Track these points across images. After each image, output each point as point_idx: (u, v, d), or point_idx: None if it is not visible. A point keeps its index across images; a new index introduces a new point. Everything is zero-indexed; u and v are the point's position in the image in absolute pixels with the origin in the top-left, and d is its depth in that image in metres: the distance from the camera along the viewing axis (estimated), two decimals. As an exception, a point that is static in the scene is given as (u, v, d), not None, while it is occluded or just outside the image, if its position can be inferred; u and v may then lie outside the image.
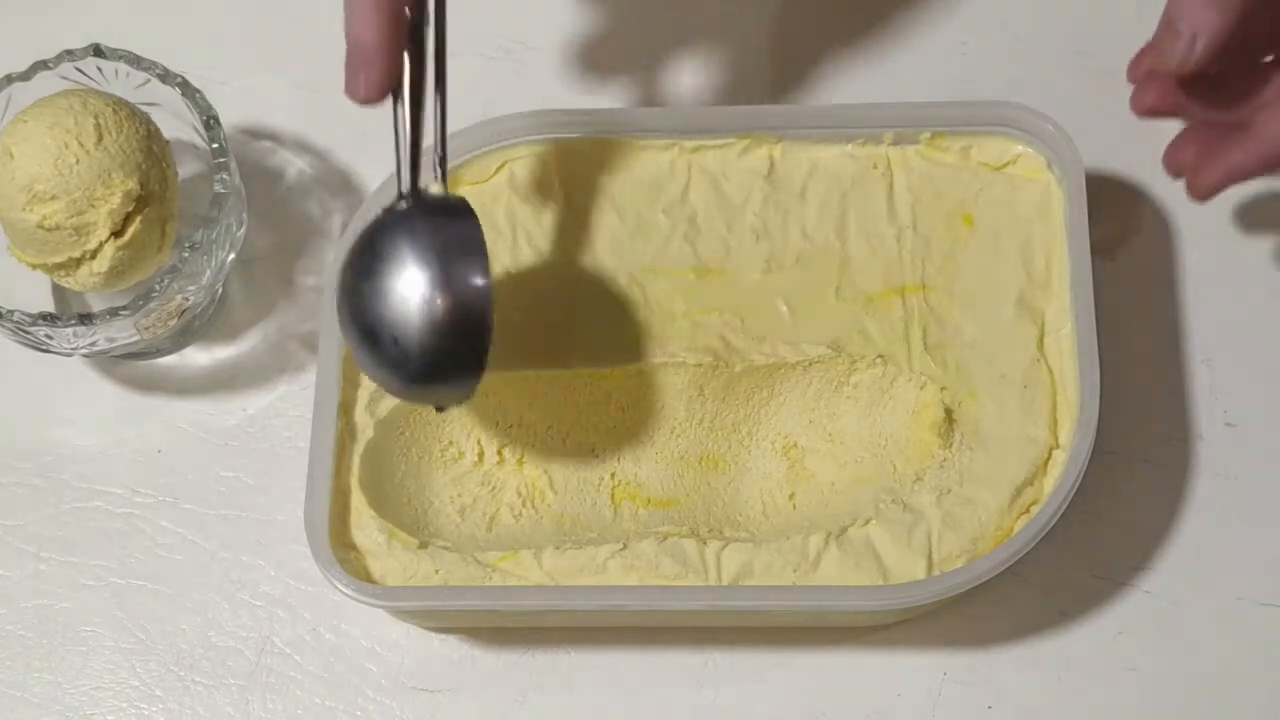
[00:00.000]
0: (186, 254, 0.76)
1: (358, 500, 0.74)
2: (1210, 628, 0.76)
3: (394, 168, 0.71)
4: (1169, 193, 0.80)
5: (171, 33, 0.87)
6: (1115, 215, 0.80)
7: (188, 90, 0.78)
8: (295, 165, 0.85)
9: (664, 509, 0.76)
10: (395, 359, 0.70)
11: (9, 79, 0.79)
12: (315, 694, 0.77)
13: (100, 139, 0.75)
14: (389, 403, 0.75)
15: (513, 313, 0.77)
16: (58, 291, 0.82)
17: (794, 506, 0.76)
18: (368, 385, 0.76)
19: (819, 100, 0.83)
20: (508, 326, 0.77)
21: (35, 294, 0.81)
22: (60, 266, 0.76)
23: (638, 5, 0.87)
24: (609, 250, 0.78)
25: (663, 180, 0.79)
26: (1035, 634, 0.76)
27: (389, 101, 0.70)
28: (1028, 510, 0.73)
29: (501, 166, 0.80)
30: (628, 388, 0.77)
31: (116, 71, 0.79)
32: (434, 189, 0.72)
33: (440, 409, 0.74)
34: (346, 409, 0.75)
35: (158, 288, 0.76)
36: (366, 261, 0.70)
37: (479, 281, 0.70)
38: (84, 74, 0.79)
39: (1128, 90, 0.75)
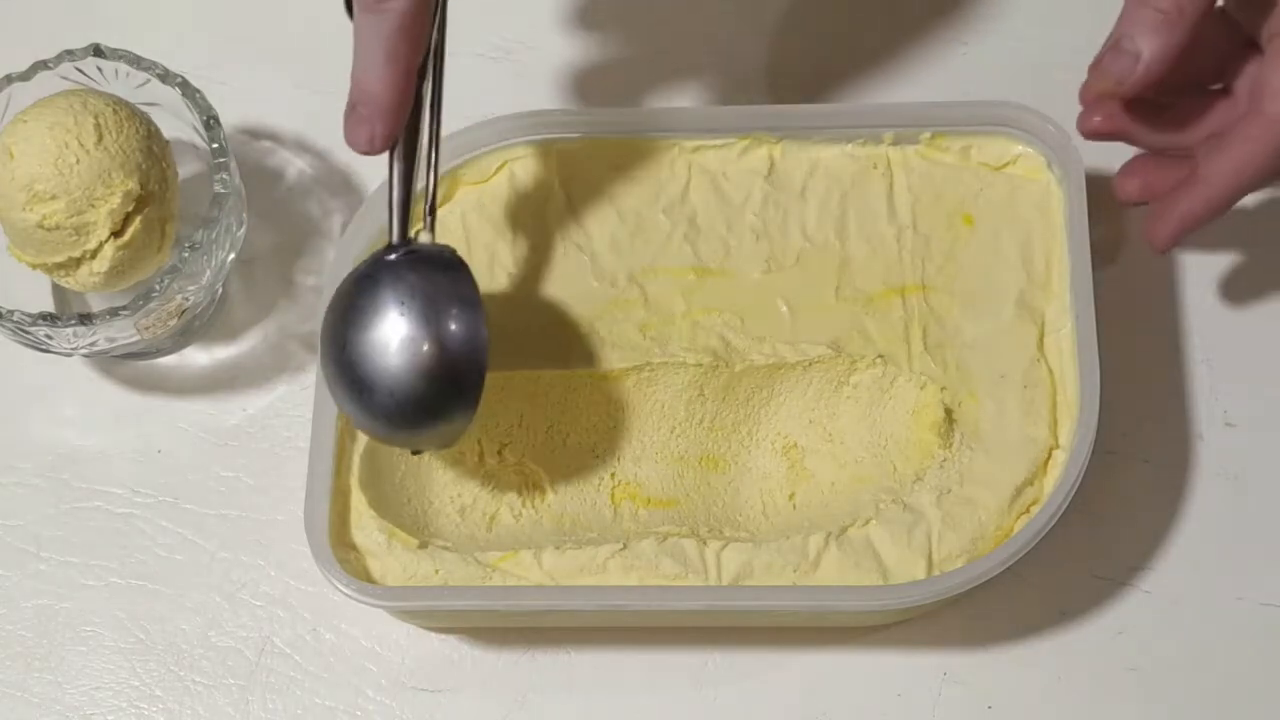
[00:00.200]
0: (186, 254, 0.76)
1: (358, 500, 0.74)
2: (1210, 628, 0.76)
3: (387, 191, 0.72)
4: (1169, 193, 0.81)
5: (171, 33, 0.87)
6: (1115, 215, 0.80)
7: (188, 90, 0.78)
8: (295, 165, 0.86)
9: (664, 509, 0.76)
10: (387, 409, 0.71)
11: (9, 79, 0.79)
12: (315, 694, 0.77)
13: (100, 139, 0.75)
14: (389, 403, 0.75)
15: (513, 313, 0.77)
16: (58, 291, 0.82)
17: (794, 506, 0.76)
18: (368, 385, 0.76)
19: (819, 100, 0.83)
20: (508, 326, 0.77)
21: (35, 294, 0.81)
22: (60, 266, 0.76)
23: (638, 5, 0.87)
24: (609, 250, 0.79)
25: (663, 180, 0.79)
26: (1035, 634, 0.76)
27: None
28: (1028, 510, 0.73)
29: (501, 166, 0.80)
30: (628, 388, 0.77)
31: (116, 71, 0.79)
32: (424, 238, 0.73)
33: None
34: (346, 409, 0.75)
35: (158, 288, 0.76)
36: (358, 312, 0.71)
37: (479, 337, 0.71)
38: (84, 74, 0.79)
39: (1127, 91, 0.75)
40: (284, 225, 0.84)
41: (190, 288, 0.78)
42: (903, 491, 0.74)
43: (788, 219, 0.79)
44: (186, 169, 0.80)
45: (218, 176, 0.77)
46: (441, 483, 0.76)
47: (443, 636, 0.77)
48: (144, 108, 0.78)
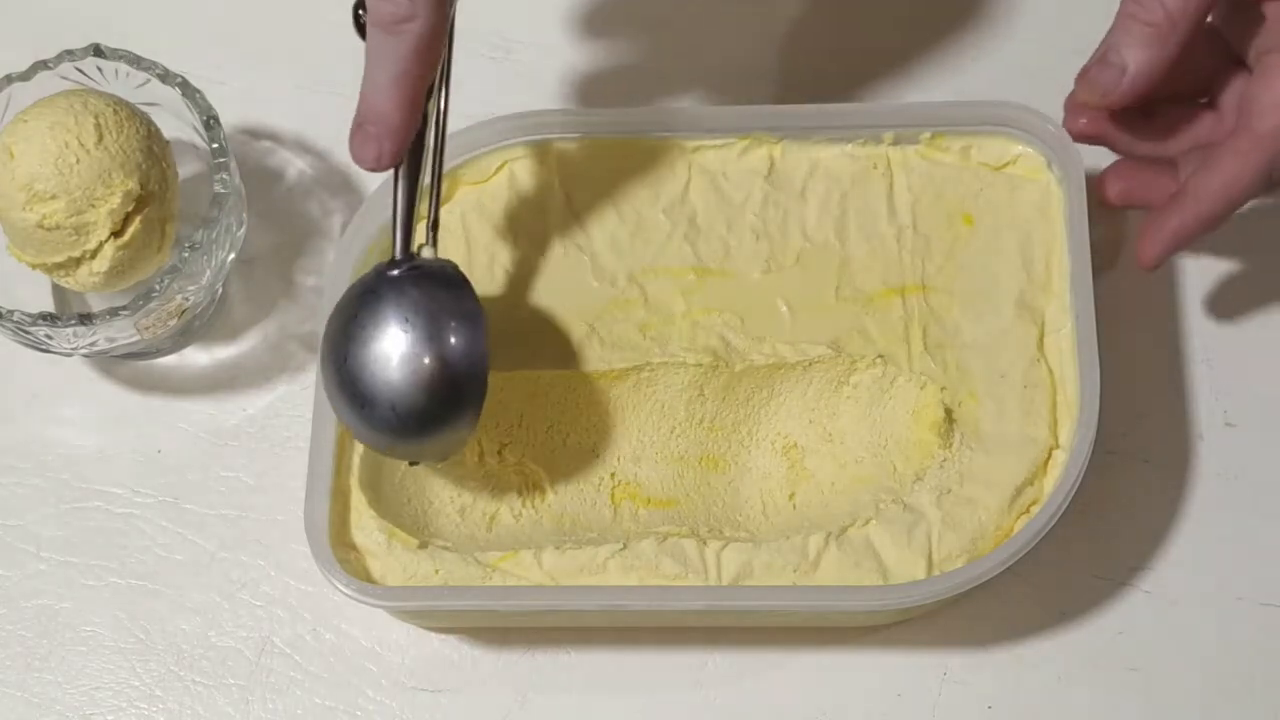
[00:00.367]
0: (186, 254, 0.76)
1: (358, 500, 0.74)
2: (1210, 628, 0.76)
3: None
4: (1169, 193, 0.81)
5: (171, 33, 0.87)
6: (1115, 215, 0.80)
7: (188, 90, 0.78)
8: (295, 165, 0.86)
9: (664, 509, 0.76)
10: (388, 423, 0.71)
11: (9, 79, 0.79)
12: (315, 694, 0.77)
13: (100, 139, 0.75)
14: (389, 403, 0.75)
15: (513, 313, 0.77)
16: (58, 291, 0.82)
17: (794, 506, 0.76)
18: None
19: (819, 100, 0.83)
20: (508, 326, 0.77)
21: (35, 294, 0.81)
22: (60, 266, 0.76)
23: (638, 6, 0.87)
24: (609, 250, 0.79)
25: (663, 180, 0.79)
26: (1035, 634, 0.76)
27: None
28: (1028, 510, 0.73)
29: (501, 166, 0.80)
30: (628, 388, 0.77)
31: (116, 71, 0.79)
32: (426, 253, 0.73)
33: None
34: (346, 409, 0.75)
35: (158, 288, 0.76)
36: (360, 326, 0.71)
37: (481, 353, 0.71)
38: (84, 74, 0.79)
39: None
40: (284, 225, 0.84)
41: (190, 288, 0.78)
42: (903, 491, 0.74)
43: (788, 219, 0.79)
44: (186, 169, 0.80)
45: (218, 176, 0.77)
46: (441, 483, 0.76)
47: (443, 636, 0.77)
48: (144, 108, 0.78)
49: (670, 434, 0.77)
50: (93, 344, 0.77)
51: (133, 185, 0.75)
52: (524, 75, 0.86)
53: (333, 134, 0.85)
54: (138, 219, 0.76)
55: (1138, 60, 0.72)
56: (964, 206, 0.78)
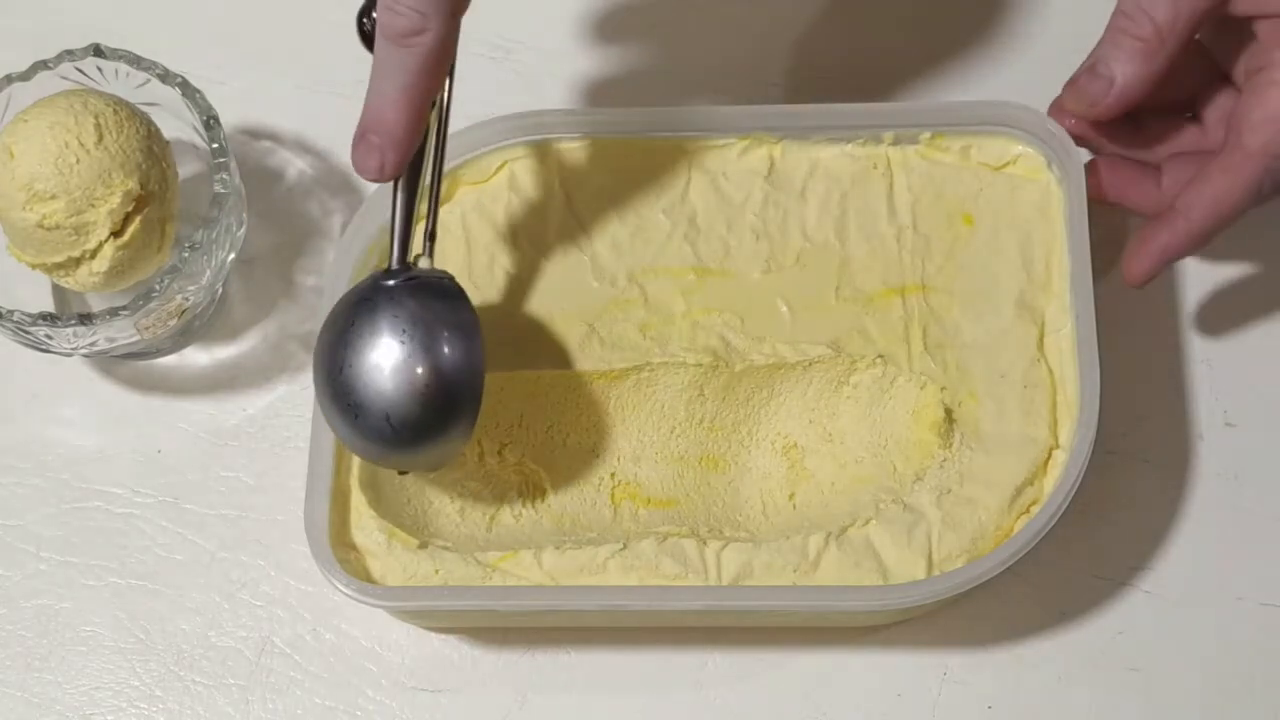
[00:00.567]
0: (186, 254, 0.76)
1: (358, 500, 0.74)
2: (1210, 628, 0.76)
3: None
4: (1169, 193, 0.81)
5: (171, 33, 0.87)
6: (1115, 215, 0.80)
7: (188, 90, 0.78)
8: (295, 165, 0.86)
9: (664, 509, 0.76)
10: (382, 434, 0.71)
11: (9, 79, 0.79)
12: (315, 694, 0.77)
13: (100, 139, 0.75)
14: (389, 403, 0.75)
15: (513, 313, 0.77)
16: (58, 291, 0.82)
17: (794, 506, 0.76)
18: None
19: (819, 100, 0.83)
20: (508, 326, 0.77)
21: (35, 294, 0.81)
22: (60, 266, 0.76)
23: (638, 6, 0.87)
24: (609, 250, 0.79)
25: (663, 180, 0.79)
26: (1035, 634, 0.76)
27: None
28: (1028, 510, 0.73)
29: (501, 166, 0.80)
30: (628, 388, 0.77)
31: (116, 71, 0.79)
32: (423, 264, 0.73)
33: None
34: (346, 409, 0.75)
35: (158, 288, 0.76)
36: (356, 335, 0.71)
37: (476, 367, 0.71)
38: (84, 74, 0.79)
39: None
40: (284, 225, 0.84)
41: (190, 288, 0.78)
42: (903, 491, 0.74)
43: (788, 219, 0.79)
44: (186, 169, 0.80)
45: (218, 176, 0.77)
46: (441, 483, 0.76)
47: (443, 636, 0.77)
48: (144, 108, 0.78)
49: (670, 434, 0.77)
50: (93, 344, 0.77)
51: (133, 185, 0.75)
52: (524, 75, 0.86)
53: (333, 134, 0.86)
54: (138, 219, 0.76)
55: (1125, 74, 0.73)
56: (964, 206, 0.78)
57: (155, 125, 0.78)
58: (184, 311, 0.78)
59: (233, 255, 0.79)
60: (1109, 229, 0.80)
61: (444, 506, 0.76)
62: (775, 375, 0.77)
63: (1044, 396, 0.74)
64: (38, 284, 0.80)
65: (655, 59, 0.86)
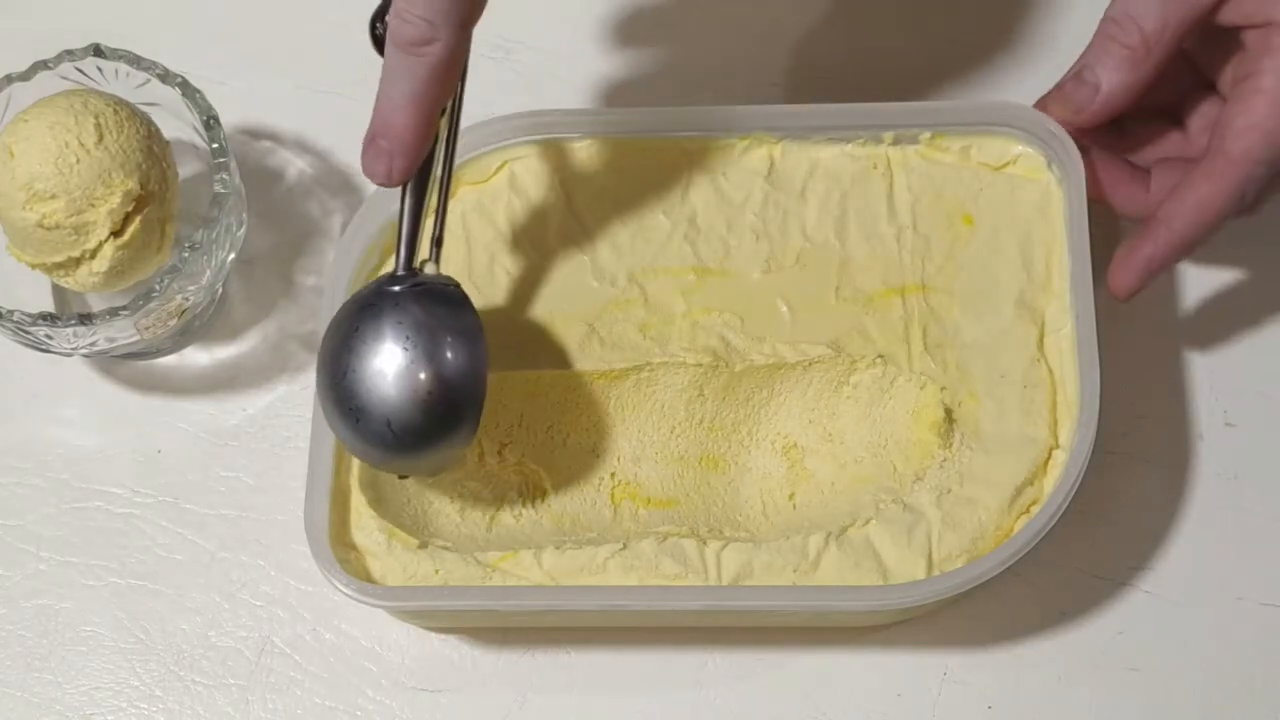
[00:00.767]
0: (186, 254, 0.76)
1: (358, 500, 0.74)
2: (1210, 628, 0.76)
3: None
4: (1169, 193, 0.81)
5: (171, 33, 0.87)
6: (1115, 215, 0.80)
7: (188, 90, 0.78)
8: (295, 165, 0.86)
9: (664, 509, 0.76)
10: (384, 439, 0.71)
11: (9, 79, 0.79)
12: (315, 694, 0.77)
13: (101, 139, 0.75)
14: (389, 403, 0.75)
15: (513, 313, 0.77)
16: (58, 291, 0.82)
17: (794, 506, 0.76)
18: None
19: (819, 100, 0.83)
20: (508, 326, 0.77)
21: (35, 294, 0.81)
22: (59, 266, 0.76)
23: (638, 6, 0.87)
24: (609, 250, 0.79)
25: (663, 180, 0.79)
26: (1035, 634, 0.76)
27: None
28: (1028, 510, 0.73)
29: (501, 166, 0.80)
30: (628, 388, 0.77)
31: (116, 71, 0.79)
32: (429, 269, 0.73)
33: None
34: (346, 409, 0.75)
35: (158, 288, 0.76)
36: (360, 340, 0.71)
37: (479, 375, 0.71)
38: (84, 74, 0.79)
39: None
40: (284, 225, 0.84)
41: (190, 288, 0.78)
42: (903, 491, 0.74)
43: (788, 219, 0.79)
44: (186, 169, 0.80)
45: (218, 176, 0.77)
46: (441, 483, 0.76)
47: (443, 636, 0.77)
48: (144, 108, 0.78)
49: (670, 434, 0.77)
50: (93, 344, 0.77)
51: (133, 185, 0.75)
52: (524, 75, 0.86)
53: (333, 134, 0.86)
54: (138, 219, 0.76)
55: (1111, 81, 0.73)
56: (964, 206, 0.78)
57: (155, 125, 0.78)
58: (184, 311, 0.78)
59: (233, 255, 0.79)
60: (1109, 229, 0.80)
61: (444, 506, 0.76)
62: (775, 375, 0.77)
63: (1044, 396, 0.74)
64: (38, 284, 0.80)
65: (655, 59, 0.86)
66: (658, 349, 0.77)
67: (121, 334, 0.77)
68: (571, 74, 0.86)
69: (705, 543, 0.73)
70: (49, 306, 0.81)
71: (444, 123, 0.72)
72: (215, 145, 0.78)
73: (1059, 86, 0.75)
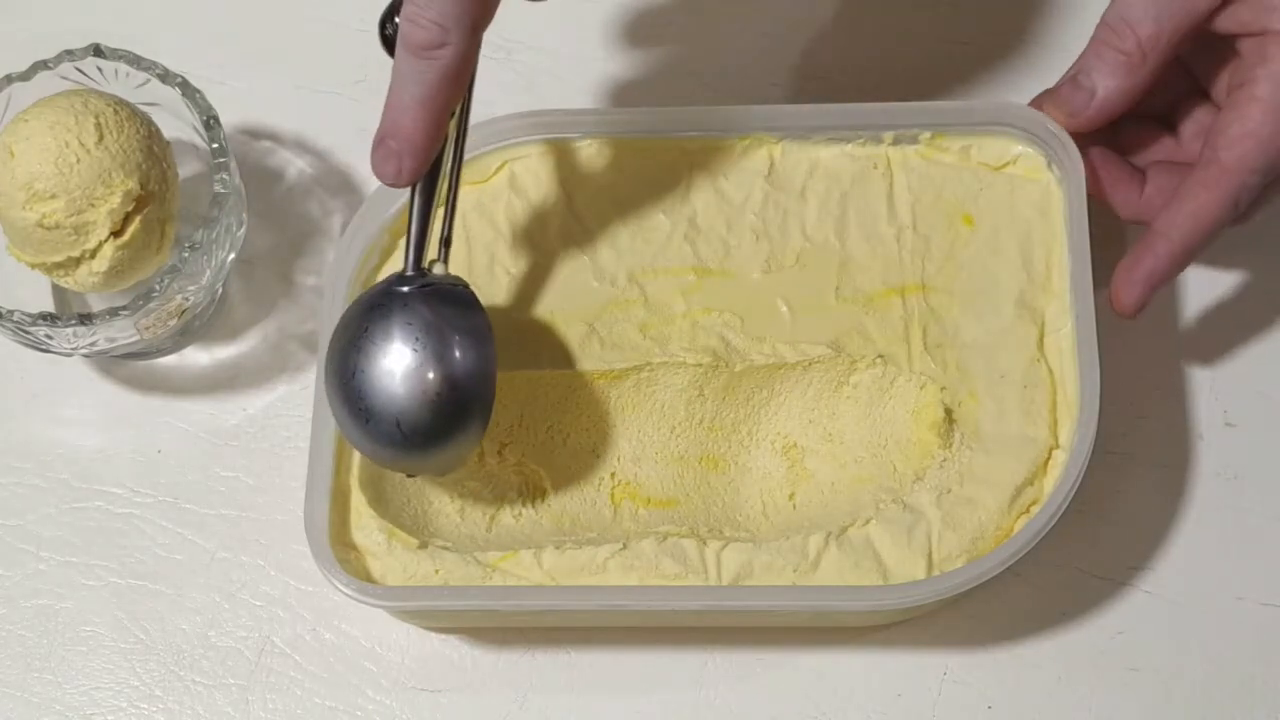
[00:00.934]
0: (186, 254, 0.76)
1: (358, 500, 0.74)
2: (1210, 628, 0.76)
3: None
4: (1169, 193, 0.81)
5: (171, 33, 0.87)
6: (1115, 215, 0.80)
7: (188, 90, 0.78)
8: (295, 165, 0.86)
9: (664, 509, 0.76)
10: (392, 438, 0.71)
11: (9, 79, 0.79)
12: (315, 694, 0.77)
13: (101, 139, 0.75)
14: (389, 403, 0.75)
15: (513, 313, 0.77)
16: (58, 291, 0.82)
17: (794, 506, 0.76)
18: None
19: (819, 100, 0.83)
20: (508, 326, 0.77)
21: (35, 294, 0.81)
22: (59, 266, 0.76)
23: (638, 6, 0.87)
24: (609, 250, 0.79)
25: (663, 180, 0.79)
26: (1035, 634, 0.76)
27: None
28: (1028, 510, 0.73)
29: (501, 166, 0.80)
30: (628, 388, 0.77)
31: (116, 71, 0.79)
32: (438, 270, 0.73)
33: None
34: (346, 409, 0.75)
35: (158, 288, 0.76)
36: (369, 340, 0.71)
37: (489, 375, 0.72)
38: (84, 74, 0.79)
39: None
40: (284, 225, 0.84)
41: (190, 288, 0.78)
42: (903, 491, 0.74)
43: (788, 219, 0.79)
44: (186, 169, 0.80)
45: (218, 176, 0.77)
46: (442, 483, 0.76)
47: (443, 636, 0.77)
48: (144, 108, 0.78)
49: (670, 434, 0.77)
50: (93, 344, 0.77)
51: (133, 185, 0.75)
52: (524, 76, 0.86)
53: (333, 134, 0.86)
54: (138, 219, 0.76)
55: (1107, 86, 0.73)
56: (964, 206, 0.78)
57: (155, 125, 0.78)
58: (184, 311, 0.78)
59: (233, 255, 0.79)
60: (1109, 229, 0.80)
61: (444, 506, 0.76)
62: (775, 375, 0.77)
63: (1044, 396, 0.74)
64: (38, 284, 0.80)
65: (655, 59, 0.86)
66: (658, 349, 0.77)
67: (121, 334, 0.77)
68: (571, 74, 0.86)
69: (705, 543, 0.73)
70: (49, 306, 0.81)
71: (453, 125, 0.72)
72: (215, 145, 0.78)
73: (1054, 91, 0.75)
